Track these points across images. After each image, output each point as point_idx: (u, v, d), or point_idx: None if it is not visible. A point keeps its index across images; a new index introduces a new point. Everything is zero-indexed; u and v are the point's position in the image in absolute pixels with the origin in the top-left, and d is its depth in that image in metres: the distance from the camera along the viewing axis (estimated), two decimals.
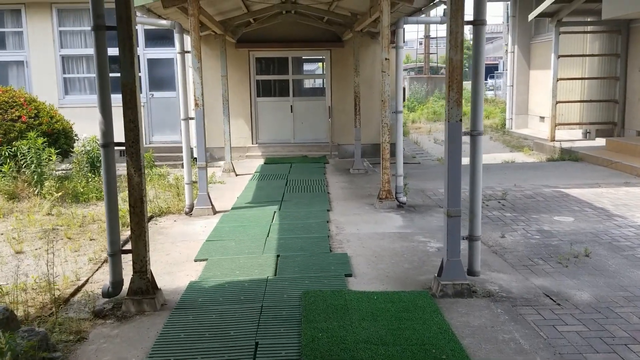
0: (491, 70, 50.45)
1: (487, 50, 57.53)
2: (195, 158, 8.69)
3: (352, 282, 5.38)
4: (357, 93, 11.78)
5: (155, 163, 12.99)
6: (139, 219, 4.75)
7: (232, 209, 8.59)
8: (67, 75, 14.47)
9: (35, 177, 8.51)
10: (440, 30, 48.91)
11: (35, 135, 8.67)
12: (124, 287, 4.96)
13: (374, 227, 7.41)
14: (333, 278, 5.43)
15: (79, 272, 5.79)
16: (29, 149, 8.52)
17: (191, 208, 8.38)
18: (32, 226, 7.47)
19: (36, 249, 6.60)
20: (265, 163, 13.24)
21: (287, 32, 14.08)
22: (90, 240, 6.97)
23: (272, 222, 7.65)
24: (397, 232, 7.18)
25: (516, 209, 8.28)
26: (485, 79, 48.12)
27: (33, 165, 8.50)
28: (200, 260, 6.15)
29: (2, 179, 8.42)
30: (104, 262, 6.15)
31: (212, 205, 8.35)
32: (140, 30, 14.27)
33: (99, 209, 8.51)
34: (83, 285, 5.47)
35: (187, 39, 8.86)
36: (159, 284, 5.41)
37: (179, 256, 6.40)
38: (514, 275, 5.60)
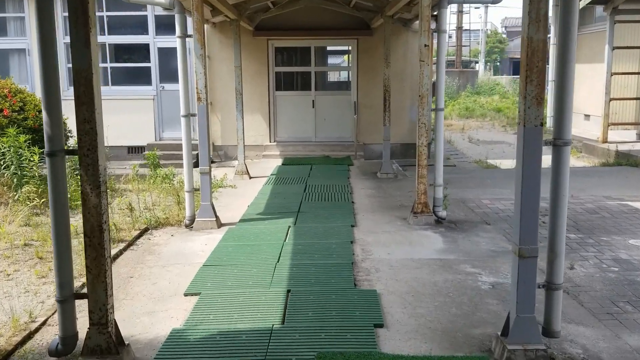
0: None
1: (514, 45, 55.33)
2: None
3: (384, 337, 4.06)
4: (387, 87, 10.42)
5: (163, 162, 11.83)
6: (98, 253, 3.50)
7: (240, 221, 7.34)
8: (71, 65, 13.36)
9: (15, 180, 7.37)
10: (474, 23, 47.06)
11: (16, 132, 7.52)
12: (79, 342, 3.73)
13: (408, 251, 6.08)
14: (358, 330, 4.13)
15: (37, 308, 4.60)
16: (9, 147, 7.38)
17: (192, 220, 7.16)
18: (2, 240, 6.32)
19: None
20: (283, 164, 11.97)
21: (310, 19, 12.75)
22: None
23: (285, 240, 6.37)
24: (438, 258, 5.83)
25: (580, 229, 6.85)
26: (516, 74, 45.97)
27: (13, 167, 7.36)
28: (192, 295, 4.90)
29: None
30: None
31: (216, 216, 7.11)
32: (150, 16, 13.11)
33: None
34: (37, 329, 4.26)
35: (191, 23, 7.60)
36: (134, 329, 4.20)
37: (168, 287, 5.16)
38: (599, 329, 4.22)
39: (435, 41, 9.00)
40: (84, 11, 3.28)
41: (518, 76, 3.66)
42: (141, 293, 5.01)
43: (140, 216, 7.33)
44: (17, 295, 4.90)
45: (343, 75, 16.83)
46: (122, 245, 6.29)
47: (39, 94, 11.98)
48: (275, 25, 12.72)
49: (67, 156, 3.61)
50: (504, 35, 55.87)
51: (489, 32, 52.57)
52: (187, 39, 7.06)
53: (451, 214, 7.47)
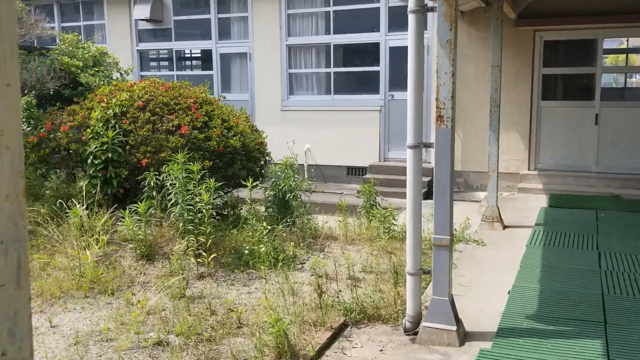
0: None
1: None
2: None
3: None
4: None
5: (386, 190, 9.28)
6: None
7: (499, 333, 4.20)
8: (293, 71, 11.65)
9: (181, 224, 5.37)
10: None
11: (186, 158, 5.54)
12: None
13: None
14: None
15: None
16: (174, 179, 5.43)
17: (416, 321, 4.27)
18: (132, 327, 4.23)
19: None
20: (550, 205, 8.38)
21: (594, 1, 8.93)
22: None
23: None
24: None
25: None
26: None
27: (179, 206, 5.37)
28: None
29: (137, 225, 5.42)
30: None
31: (457, 322, 4.11)
32: (383, 7, 10.67)
33: (268, 290, 4.97)
34: None
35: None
36: None
37: None
38: None
39: None
40: None
41: None
42: None
43: (336, 297, 4.70)
44: None
45: (603, 79, 12.33)
46: None
47: (256, 105, 10.58)
48: (547, 11, 9.18)
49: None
50: None
51: None
52: (427, 14, 4.19)
53: None
